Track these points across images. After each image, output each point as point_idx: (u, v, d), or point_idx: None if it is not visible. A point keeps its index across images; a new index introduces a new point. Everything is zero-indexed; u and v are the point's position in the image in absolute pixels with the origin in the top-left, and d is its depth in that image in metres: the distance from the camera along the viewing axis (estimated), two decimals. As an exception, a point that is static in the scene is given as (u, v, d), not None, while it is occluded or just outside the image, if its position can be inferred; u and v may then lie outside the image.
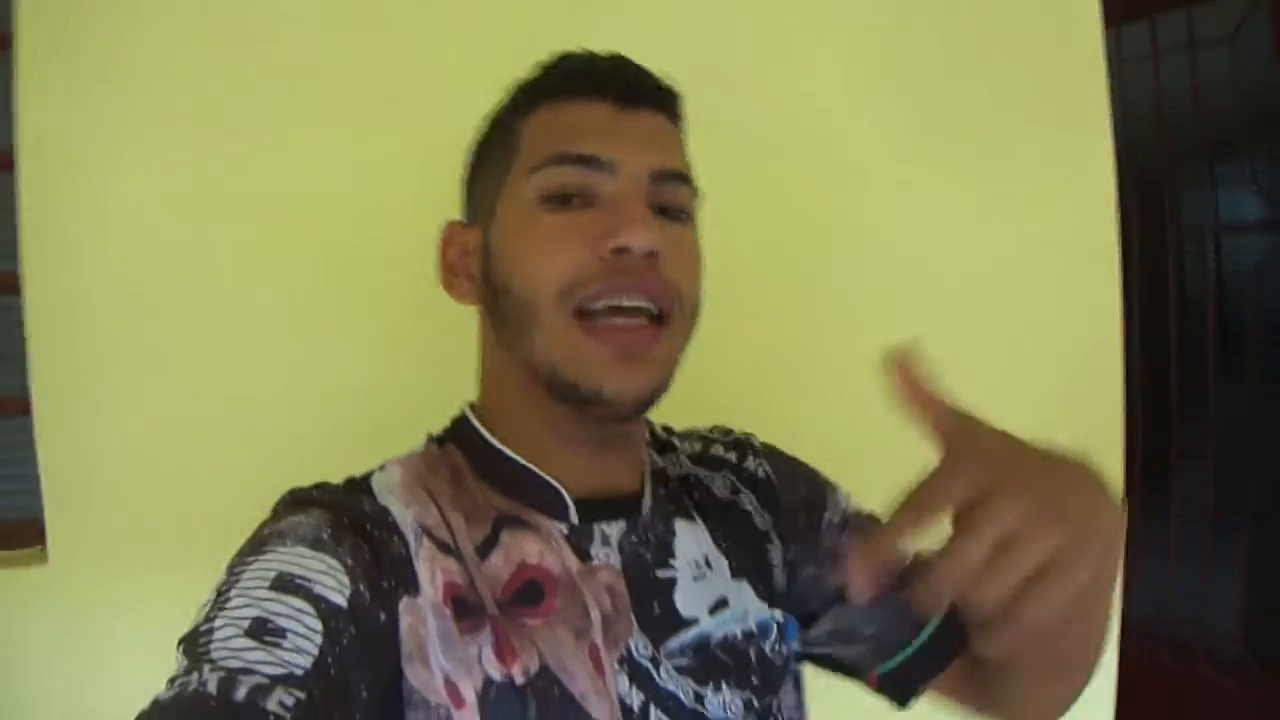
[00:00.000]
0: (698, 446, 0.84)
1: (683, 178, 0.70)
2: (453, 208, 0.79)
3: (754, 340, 1.47)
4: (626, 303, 0.64)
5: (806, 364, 1.51)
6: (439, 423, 0.77)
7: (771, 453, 0.86)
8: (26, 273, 1.32)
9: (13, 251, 1.34)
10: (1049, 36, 1.60)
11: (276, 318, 1.38)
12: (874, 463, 1.38)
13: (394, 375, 1.36)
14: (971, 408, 0.53)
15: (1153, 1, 2.37)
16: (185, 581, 1.09)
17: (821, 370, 1.50)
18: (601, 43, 0.75)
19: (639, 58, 0.73)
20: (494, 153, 0.73)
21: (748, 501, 0.81)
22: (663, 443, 0.83)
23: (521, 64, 0.75)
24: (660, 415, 0.77)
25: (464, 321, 0.78)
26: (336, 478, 0.70)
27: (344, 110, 1.38)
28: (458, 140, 0.79)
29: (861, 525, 0.82)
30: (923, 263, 1.56)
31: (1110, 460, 1.63)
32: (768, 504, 0.81)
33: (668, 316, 0.66)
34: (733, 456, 0.84)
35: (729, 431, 0.87)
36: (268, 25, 1.36)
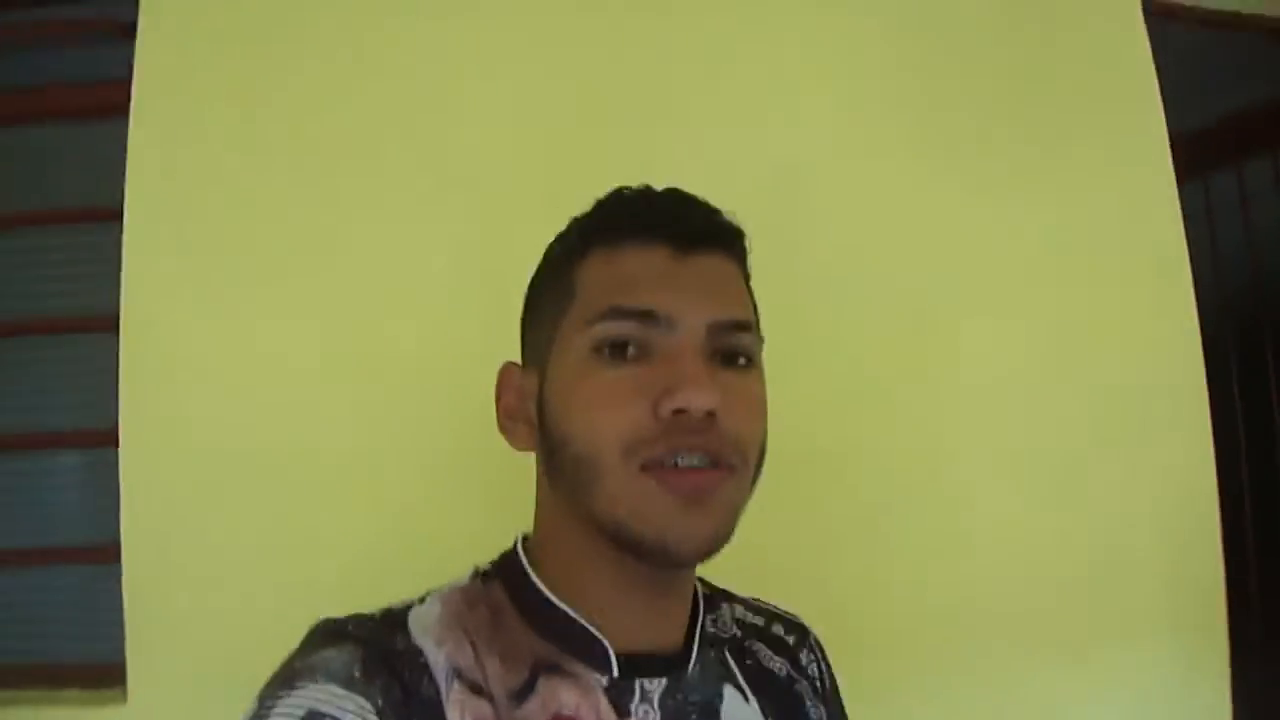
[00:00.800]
0: (759, 621, 0.81)
1: (743, 326, 0.67)
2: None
3: (815, 506, 1.45)
4: (685, 460, 0.62)
5: (873, 538, 1.48)
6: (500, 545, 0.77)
7: (827, 660, 0.83)
8: (124, 426, 1.42)
9: (114, 409, 1.44)
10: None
11: (352, 461, 1.44)
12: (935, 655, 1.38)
13: (457, 498, 1.40)
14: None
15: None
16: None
17: (889, 546, 1.46)
18: (670, 171, 0.73)
19: (705, 187, 0.71)
20: (549, 296, 0.70)
21: (805, 691, 0.78)
22: (713, 603, 0.80)
23: (593, 189, 0.73)
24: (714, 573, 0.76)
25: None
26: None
27: (413, 257, 1.47)
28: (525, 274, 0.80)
29: None
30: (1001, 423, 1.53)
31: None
32: (823, 702, 0.79)
33: (731, 467, 0.65)
34: (792, 640, 0.81)
35: (794, 618, 0.84)
36: (346, 200, 1.49)
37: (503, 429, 0.73)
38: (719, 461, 0.63)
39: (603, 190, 0.72)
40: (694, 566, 0.68)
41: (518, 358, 0.75)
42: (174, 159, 1.49)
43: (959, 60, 1.63)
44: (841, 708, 0.83)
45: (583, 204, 0.73)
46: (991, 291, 1.57)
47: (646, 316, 0.64)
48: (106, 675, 1.47)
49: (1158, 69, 1.69)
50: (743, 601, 0.83)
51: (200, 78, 1.51)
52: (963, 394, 1.54)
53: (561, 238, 0.73)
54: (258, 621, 1.37)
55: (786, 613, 0.84)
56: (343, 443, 1.45)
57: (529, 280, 0.75)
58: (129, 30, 1.56)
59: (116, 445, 1.45)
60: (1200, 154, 2.20)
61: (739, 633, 0.78)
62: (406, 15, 1.54)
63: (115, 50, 1.59)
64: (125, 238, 1.47)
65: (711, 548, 0.65)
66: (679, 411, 0.62)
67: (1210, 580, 1.61)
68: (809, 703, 0.77)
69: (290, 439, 1.44)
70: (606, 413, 0.63)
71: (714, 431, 0.63)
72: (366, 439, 1.45)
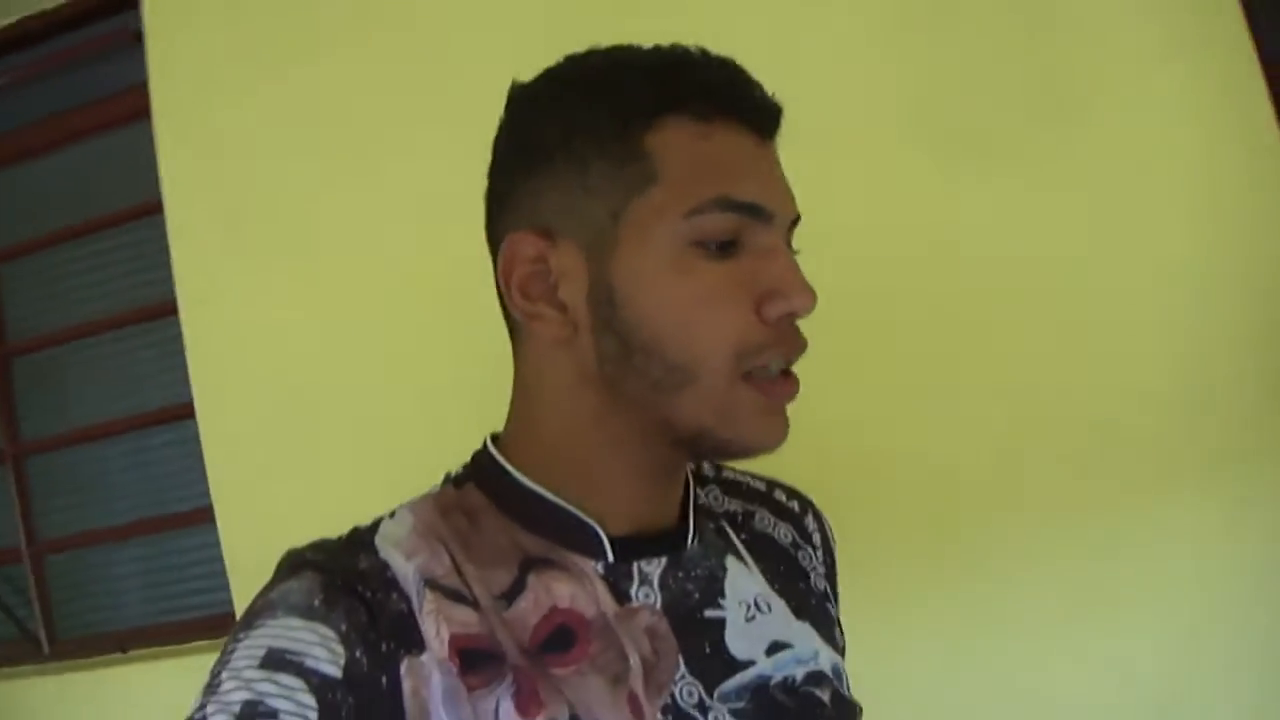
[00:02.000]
0: (760, 486, 0.78)
1: (799, 219, 0.64)
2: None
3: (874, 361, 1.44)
4: (776, 368, 0.60)
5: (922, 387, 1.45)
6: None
7: (831, 536, 0.81)
8: (198, 402, 1.57)
9: (185, 385, 1.59)
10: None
11: (412, 416, 1.56)
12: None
13: None
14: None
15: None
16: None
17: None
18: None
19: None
20: (603, 162, 0.59)
21: (807, 559, 0.75)
22: (701, 475, 0.76)
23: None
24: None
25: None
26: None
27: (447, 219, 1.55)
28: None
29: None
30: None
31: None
32: (826, 571, 0.77)
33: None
34: (795, 507, 0.79)
35: (796, 488, 0.81)
36: (376, 170, 1.57)
37: (519, 312, 0.61)
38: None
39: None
40: None
41: None
42: (201, 148, 1.60)
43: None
44: (836, 590, 0.79)
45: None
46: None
47: (753, 210, 0.58)
48: (218, 623, 1.65)
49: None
50: (736, 470, 0.79)
51: (215, 67, 1.61)
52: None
53: (601, 88, 0.60)
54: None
55: (787, 483, 0.81)
56: (399, 389, 1.56)
57: (516, 128, 0.64)
58: (140, 36, 1.67)
59: (193, 418, 1.61)
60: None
61: (737, 501, 0.76)
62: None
63: (130, 58, 1.70)
64: (169, 228, 1.59)
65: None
66: (788, 315, 0.59)
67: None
68: (812, 570, 0.75)
69: (346, 392, 1.56)
70: (715, 316, 0.58)
71: (800, 332, 0.61)
72: (421, 385, 1.55)
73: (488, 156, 0.65)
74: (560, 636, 0.59)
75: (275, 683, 0.51)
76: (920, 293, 1.40)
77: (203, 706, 0.51)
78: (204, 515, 1.69)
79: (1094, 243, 1.40)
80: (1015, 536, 1.41)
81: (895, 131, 1.45)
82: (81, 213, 1.86)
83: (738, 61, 0.62)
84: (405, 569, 0.59)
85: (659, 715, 0.59)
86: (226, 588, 1.63)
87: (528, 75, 0.63)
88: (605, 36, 0.63)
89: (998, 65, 1.46)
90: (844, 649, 0.75)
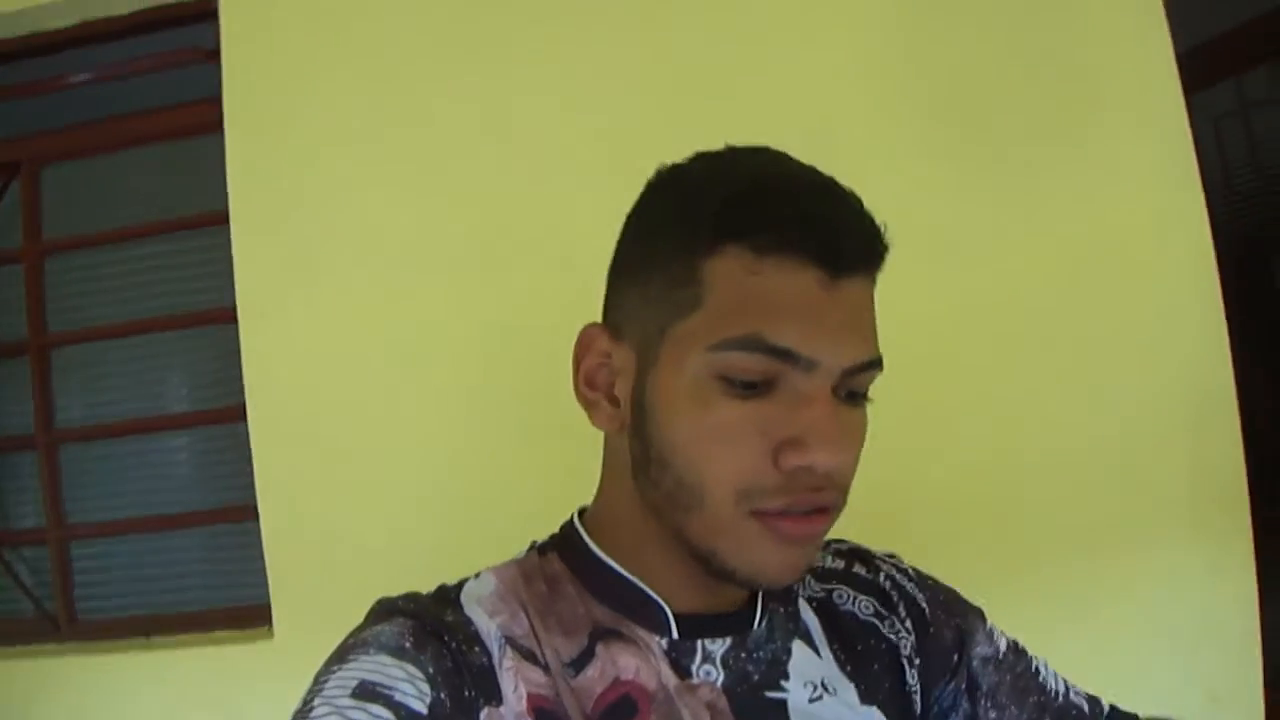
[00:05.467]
0: (839, 565, 0.77)
1: (876, 364, 0.61)
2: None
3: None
4: (799, 510, 0.59)
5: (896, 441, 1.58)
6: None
7: (919, 576, 0.78)
8: (250, 404, 1.65)
9: (239, 388, 1.68)
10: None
11: (439, 424, 1.66)
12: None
13: (546, 465, 1.55)
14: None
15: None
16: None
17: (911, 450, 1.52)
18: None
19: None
20: (662, 277, 0.61)
21: (892, 627, 0.74)
22: None
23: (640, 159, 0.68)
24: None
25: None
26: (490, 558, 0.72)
27: (494, 254, 1.66)
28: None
29: (1013, 665, 0.76)
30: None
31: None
32: (914, 627, 0.74)
33: (836, 508, 0.61)
34: (873, 577, 0.76)
35: (871, 552, 0.80)
36: (426, 186, 1.67)
37: (581, 398, 0.66)
38: (827, 506, 0.60)
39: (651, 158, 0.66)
40: None
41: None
42: (268, 164, 1.70)
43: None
44: (961, 612, 0.77)
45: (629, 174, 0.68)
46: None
47: (787, 356, 0.57)
48: (256, 614, 1.72)
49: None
50: (822, 547, 0.78)
51: (283, 86, 1.71)
52: (972, 298, 1.62)
53: (681, 206, 0.62)
54: (378, 562, 1.61)
55: (863, 547, 0.80)
56: (443, 404, 1.66)
57: (626, 226, 0.67)
58: (210, 55, 1.76)
59: (237, 421, 1.70)
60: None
61: (819, 584, 0.75)
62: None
63: (199, 74, 1.79)
64: (234, 239, 1.68)
65: (800, 577, 0.64)
66: (804, 468, 0.58)
67: (1233, 476, 1.69)
68: (894, 637, 0.73)
69: (392, 404, 1.66)
70: (723, 451, 0.58)
71: (831, 484, 0.59)
72: (461, 404, 1.66)
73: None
74: (623, 707, 0.61)
75: (366, 711, 0.53)
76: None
77: None
78: (239, 513, 1.78)
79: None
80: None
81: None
82: (137, 214, 1.95)
83: (836, 190, 0.60)
84: (488, 626, 0.62)
85: None
86: (254, 583, 1.72)
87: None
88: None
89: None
90: (989, 658, 0.75)
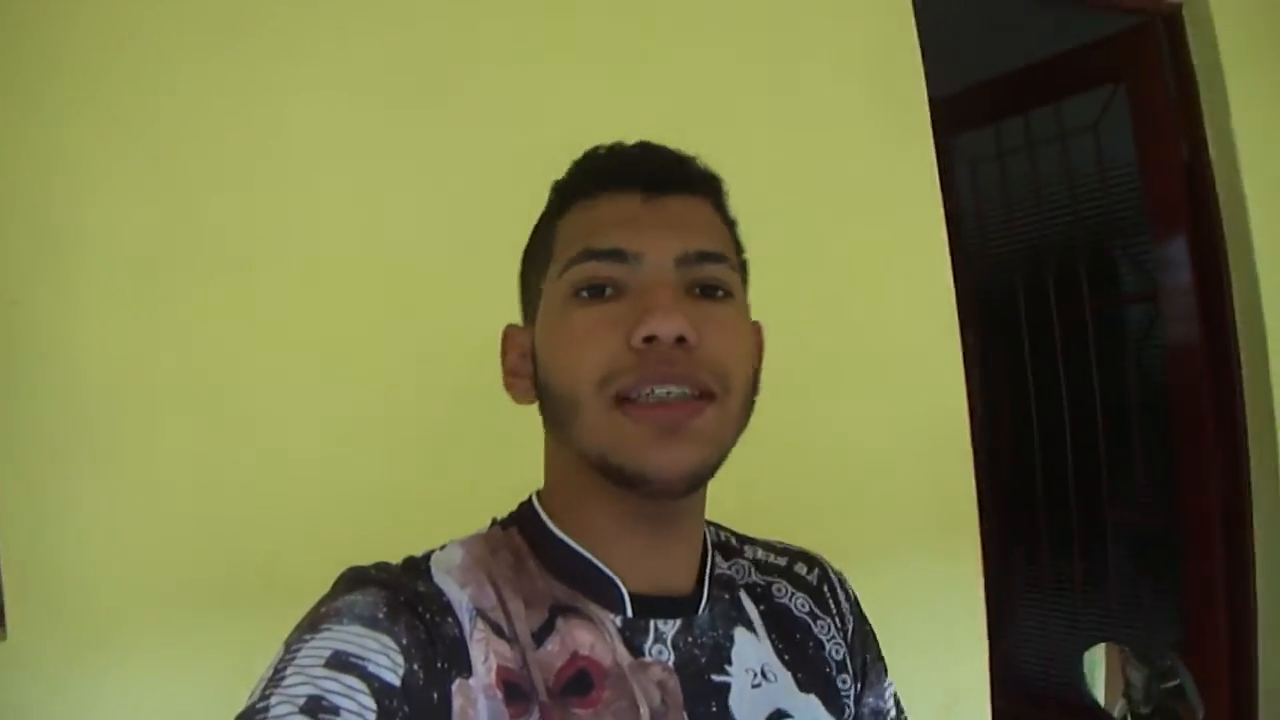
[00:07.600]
0: (781, 561, 0.82)
1: (712, 256, 0.68)
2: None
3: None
4: (660, 390, 0.63)
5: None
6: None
7: (857, 602, 0.84)
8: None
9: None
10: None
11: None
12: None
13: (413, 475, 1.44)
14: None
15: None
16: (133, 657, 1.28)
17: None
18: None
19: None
20: (537, 256, 0.72)
21: (824, 629, 0.79)
22: (729, 548, 0.81)
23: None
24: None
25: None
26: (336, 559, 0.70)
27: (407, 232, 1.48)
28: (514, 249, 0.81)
29: None
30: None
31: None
32: (845, 641, 0.80)
33: (711, 395, 0.65)
34: (813, 579, 0.82)
35: (817, 556, 0.85)
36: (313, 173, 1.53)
37: (507, 386, 0.74)
38: (699, 390, 0.64)
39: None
40: (681, 497, 0.67)
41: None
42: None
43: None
44: (874, 654, 0.83)
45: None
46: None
47: (615, 255, 0.66)
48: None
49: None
50: (764, 544, 0.84)
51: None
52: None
53: (550, 197, 0.74)
54: (122, 566, 1.52)
55: (810, 552, 0.85)
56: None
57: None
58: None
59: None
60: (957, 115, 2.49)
61: (760, 575, 0.79)
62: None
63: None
64: None
65: (693, 477, 0.65)
66: (649, 340, 0.63)
67: (965, 499, 1.83)
68: (828, 642, 0.78)
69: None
70: (581, 348, 0.65)
71: (690, 360, 0.63)
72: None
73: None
74: (580, 680, 0.64)
75: (339, 682, 0.55)
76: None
77: (266, 696, 0.54)
78: None
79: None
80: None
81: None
82: None
83: (654, 144, 0.72)
84: (459, 597, 0.65)
85: None
86: None
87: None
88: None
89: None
90: (880, 713, 0.81)
